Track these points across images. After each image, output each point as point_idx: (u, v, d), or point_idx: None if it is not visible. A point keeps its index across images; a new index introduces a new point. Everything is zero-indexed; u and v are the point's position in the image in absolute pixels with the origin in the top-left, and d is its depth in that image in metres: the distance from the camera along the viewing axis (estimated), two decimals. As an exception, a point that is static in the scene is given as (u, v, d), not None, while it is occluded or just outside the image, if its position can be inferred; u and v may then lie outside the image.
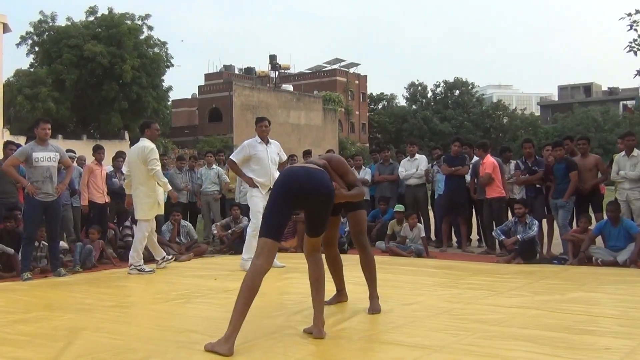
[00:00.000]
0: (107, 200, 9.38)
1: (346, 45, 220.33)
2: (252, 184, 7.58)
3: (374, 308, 4.98)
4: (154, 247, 7.96)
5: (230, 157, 7.98)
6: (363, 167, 11.35)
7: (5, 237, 7.79)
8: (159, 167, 7.60)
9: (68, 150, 9.26)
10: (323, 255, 4.71)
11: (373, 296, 5.08)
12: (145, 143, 7.62)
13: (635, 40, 12.73)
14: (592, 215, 8.84)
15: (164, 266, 7.90)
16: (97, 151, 9.59)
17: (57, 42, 36.15)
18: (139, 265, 7.58)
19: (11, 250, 7.59)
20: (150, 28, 38.68)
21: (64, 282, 7.04)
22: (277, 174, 7.22)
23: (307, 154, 11.29)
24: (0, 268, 7.54)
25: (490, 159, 9.45)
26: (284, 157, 8.02)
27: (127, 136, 37.14)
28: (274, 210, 4.14)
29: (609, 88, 67.95)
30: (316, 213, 4.34)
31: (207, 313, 5.11)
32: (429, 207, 10.96)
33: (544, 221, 9.13)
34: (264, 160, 7.59)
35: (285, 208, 4.16)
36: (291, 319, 4.77)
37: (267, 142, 7.75)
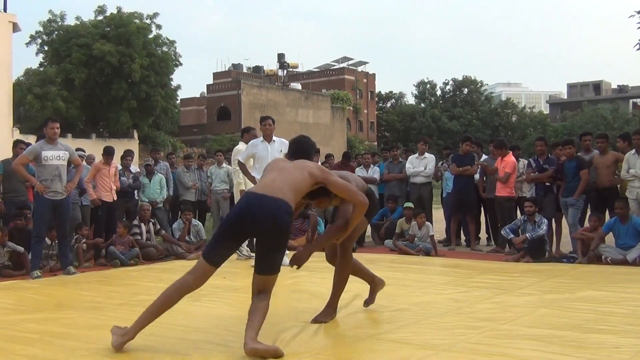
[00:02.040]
0: (114, 198, 9.39)
1: (354, 43, 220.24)
2: (255, 182, 7.73)
3: (320, 319, 4.61)
4: None
5: (238, 157, 8.21)
6: (372, 165, 11.34)
7: (15, 235, 7.85)
8: (237, 168, 8.23)
9: (77, 149, 9.28)
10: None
11: (330, 305, 4.74)
12: (238, 146, 8.58)
13: (645, 37, 12.66)
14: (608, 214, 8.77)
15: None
16: (106, 154, 9.40)
17: (67, 41, 36.24)
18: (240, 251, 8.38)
19: (21, 249, 7.63)
20: (158, 27, 38.68)
21: (73, 281, 7.09)
22: None
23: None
24: (11, 266, 7.60)
25: (512, 158, 9.40)
26: None
27: (135, 135, 37.19)
28: (220, 237, 4.00)
29: (618, 86, 67.44)
30: (264, 244, 3.97)
31: (216, 311, 5.14)
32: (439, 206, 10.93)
33: (553, 220, 9.09)
34: (264, 158, 7.78)
35: (229, 237, 3.96)
36: (299, 317, 4.78)
37: (270, 141, 7.93)
